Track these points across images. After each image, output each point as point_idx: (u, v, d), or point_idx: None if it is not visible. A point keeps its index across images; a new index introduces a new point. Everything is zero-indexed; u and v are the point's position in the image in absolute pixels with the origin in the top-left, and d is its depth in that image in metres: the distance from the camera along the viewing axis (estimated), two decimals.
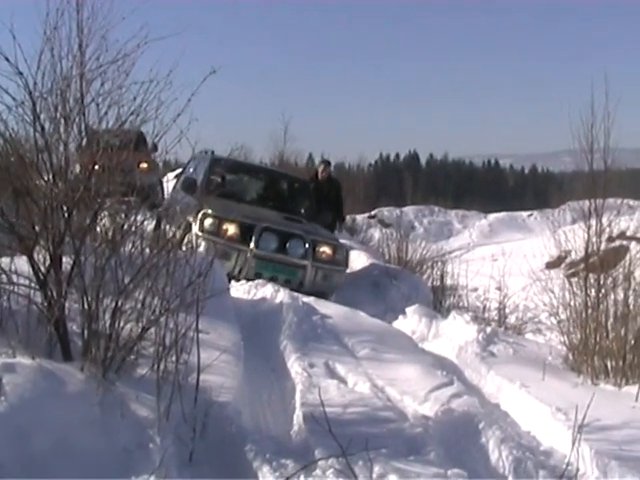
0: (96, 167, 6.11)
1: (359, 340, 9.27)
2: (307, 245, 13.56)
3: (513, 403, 7.88)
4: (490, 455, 6.35)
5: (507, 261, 16.95)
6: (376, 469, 5.30)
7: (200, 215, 13.03)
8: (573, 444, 5.75)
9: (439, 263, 17.37)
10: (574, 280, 10.25)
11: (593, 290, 9.63)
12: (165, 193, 16.26)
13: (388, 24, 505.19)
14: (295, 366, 7.90)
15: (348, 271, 14.97)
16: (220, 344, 7.12)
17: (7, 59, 5.72)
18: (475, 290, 17.28)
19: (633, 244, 14.60)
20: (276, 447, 5.66)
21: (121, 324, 5.88)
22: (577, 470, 5.90)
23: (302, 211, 15.73)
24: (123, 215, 6.39)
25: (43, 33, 5.94)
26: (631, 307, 9.05)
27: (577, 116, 9.70)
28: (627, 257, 9.95)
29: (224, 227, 13.20)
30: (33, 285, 5.79)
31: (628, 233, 12.90)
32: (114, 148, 6.17)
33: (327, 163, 17.78)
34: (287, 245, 13.49)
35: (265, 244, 13.33)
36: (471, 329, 10.23)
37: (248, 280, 12.24)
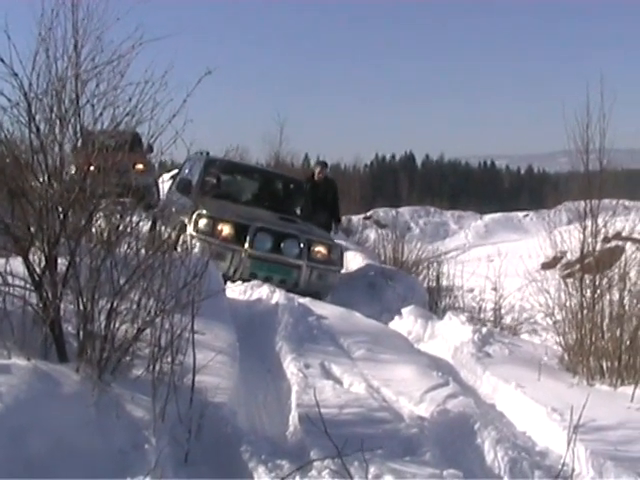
0: (91, 168, 6.10)
1: (355, 341, 9.26)
2: (302, 245, 13.54)
3: (509, 404, 7.89)
4: (486, 455, 6.35)
5: (503, 262, 16.94)
6: (372, 470, 5.31)
7: (195, 215, 13.02)
8: (568, 444, 5.77)
9: (435, 264, 17.38)
10: (570, 281, 10.26)
11: (589, 291, 9.64)
12: (161, 194, 16.26)
13: (385, 24, 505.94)
14: (291, 367, 7.90)
15: (344, 272, 14.96)
16: (216, 345, 7.11)
17: (2, 60, 5.72)
18: (471, 291, 17.32)
19: (629, 245, 14.57)
20: (272, 448, 5.67)
21: (116, 325, 5.88)
22: (572, 470, 5.90)
23: (297, 211, 15.72)
24: (118, 216, 6.39)
25: (38, 34, 5.95)
26: (626, 308, 9.06)
27: (573, 117, 9.72)
28: (622, 258, 9.96)
29: (219, 227, 13.19)
30: (28, 286, 5.79)
31: (624, 234, 12.88)
32: (109, 149, 6.16)
33: (324, 164, 17.78)
34: (282, 245, 13.48)
35: (260, 244, 13.31)
36: (467, 330, 10.23)
37: (243, 280, 12.23)
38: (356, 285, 15.15)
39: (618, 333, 8.92)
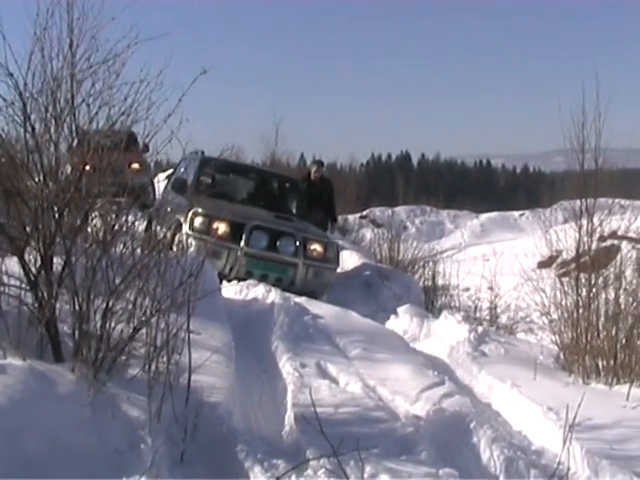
0: (87, 168, 6.11)
1: (351, 340, 9.27)
2: (298, 243, 13.53)
3: (504, 403, 7.90)
4: (481, 455, 6.36)
5: (499, 261, 16.99)
6: (367, 469, 5.31)
7: (190, 214, 13.00)
8: (564, 443, 5.77)
9: (431, 263, 17.37)
10: (565, 280, 10.26)
11: (584, 290, 9.64)
12: (156, 193, 16.24)
13: (383, 24, 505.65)
14: (286, 366, 7.90)
15: (340, 271, 14.97)
16: (211, 344, 7.11)
17: None
18: (467, 290, 17.31)
19: (624, 243, 14.58)
20: (267, 447, 5.67)
21: (112, 325, 5.88)
22: (568, 469, 5.92)
23: (293, 210, 15.73)
24: (114, 216, 6.39)
25: (33, 33, 5.94)
26: (622, 306, 9.07)
27: (568, 116, 9.72)
28: (618, 257, 9.96)
29: (214, 226, 13.17)
30: (24, 286, 5.78)
31: (619, 232, 12.85)
32: (105, 148, 6.16)
33: (320, 163, 17.75)
34: (278, 243, 13.46)
35: (256, 242, 13.30)
36: (462, 329, 10.24)
37: (239, 280, 12.22)
38: (352, 284, 15.15)
39: (614, 332, 8.93)
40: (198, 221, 13.05)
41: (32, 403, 4.91)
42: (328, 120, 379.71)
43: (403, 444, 6.10)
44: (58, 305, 5.82)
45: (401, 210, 54.96)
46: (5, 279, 5.76)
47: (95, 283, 5.84)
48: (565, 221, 12.27)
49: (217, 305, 8.75)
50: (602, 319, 9.23)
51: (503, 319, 14.73)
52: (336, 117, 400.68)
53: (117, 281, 5.94)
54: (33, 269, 5.81)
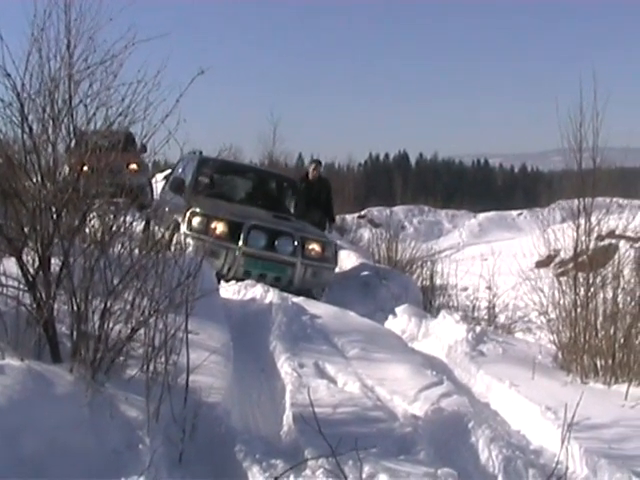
0: (85, 168, 6.10)
1: (349, 340, 9.27)
2: (296, 242, 13.52)
3: (503, 402, 7.90)
4: (480, 454, 6.36)
5: (497, 260, 17.00)
6: (366, 469, 5.30)
7: (188, 214, 12.99)
8: (563, 443, 5.77)
9: (429, 263, 17.37)
10: (563, 279, 10.27)
11: (582, 289, 9.65)
12: (154, 194, 16.25)
13: (382, 24, 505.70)
14: (285, 366, 7.90)
15: (338, 271, 14.96)
16: (209, 345, 7.11)
17: None
18: (465, 289, 17.32)
19: (622, 243, 14.64)
20: (266, 447, 5.67)
21: (110, 325, 5.88)
22: (567, 469, 5.91)
23: (291, 210, 15.73)
24: (112, 216, 6.38)
25: (31, 34, 5.94)
26: (620, 306, 9.07)
27: (566, 115, 9.73)
28: (616, 256, 9.96)
29: (212, 225, 13.15)
30: (22, 286, 5.78)
31: (617, 232, 12.88)
32: (103, 149, 6.16)
33: (318, 162, 17.72)
34: (276, 243, 13.45)
35: (254, 242, 13.29)
36: (461, 328, 10.24)
37: (237, 280, 12.21)
38: (350, 284, 15.14)
39: (612, 331, 8.93)
40: (196, 221, 13.04)
41: (30, 403, 4.91)
42: (326, 120, 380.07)
43: (401, 444, 6.10)
44: (56, 306, 5.82)
45: (399, 210, 54.87)
46: (3, 280, 5.76)
47: (93, 283, 5.84)
48: (563, 220, 12.30)
49: (215, 305, 8.75)
50: (600, 318, 9.23)
51: (501, 319, 14.71)
52: (334, 117, 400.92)
53: (115, 281, 5.93)
54: (31, 270, 5.81)
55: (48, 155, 6.03)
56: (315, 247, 13.84)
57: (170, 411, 5.46)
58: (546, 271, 17.41)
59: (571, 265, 10.90)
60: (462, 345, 9.69)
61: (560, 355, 9.50)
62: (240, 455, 5.43)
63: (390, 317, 11.89)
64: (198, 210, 13.15)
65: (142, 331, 5.96)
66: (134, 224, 6.82)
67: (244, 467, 5.32)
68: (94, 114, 6.20)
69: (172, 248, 8.95)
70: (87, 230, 6.31)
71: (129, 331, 5.95)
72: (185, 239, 12.10)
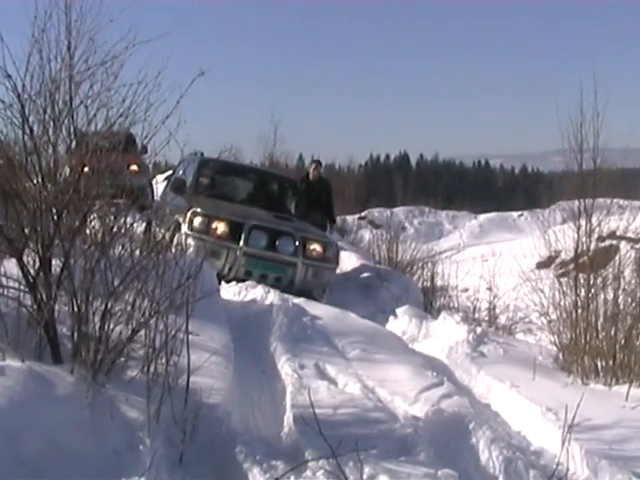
0: (85, 169, 6.10)
1: (349, 341, 9.27)
2: (297, 242, 13.50)
3: (503, 403, 7.90)
4: (480, 455, 6.36)
5: (497, 261, 16.99)
6: (366, 470, 5.30)
7: (189, 214, 12.98)
8: (563, 444, 5.77)
9: (429, 264, 17.36)
10: (564, 280, 10.28)
11: (583, 290, 9.65)
12: (155, 195, 16.24)
13: (382, 24, 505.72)
14: (285, 367, 7.90)
15: (338, 272, 14.95)
16: (210, 346, 7.11)
17: None
18: (465, 291, 17.30)
19: (623, 244, 14.59)
20: (266, 448, 5.67)
21: (111, 326, 5.88)
22: (567, 470, 5.92)
23: (292, 210, 15.73)
24: (112, 217, 6.39)
25: (31, 35, 5.94)
26: (621, 307, 9.07)
27: (567, 116, 9.73)
28: (617, 257, 9.96)
29: (213, 225, 13.13)
30: (23, 288, 5.78)
31: (618, 233, 12.85)
32: (103, 150, 6.16)
33: (318, 163, 17.70)
34: (277, 243, 13.44)
35: (255, 242, 13.28)
36: (461, 329, 10.24)
37: (238, 281, 12.21)
38: (350, 285, 15.13)
39: (613, 332, 8.93)
40: (197, 221, 13.03)
41: (31, 405, 4.91)
42: (327, 120, 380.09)
43: (402, 445, 6.10)
44: (57, 307, 5.82)
45: (400, 211, 54.88)
46: (4, 281, 5.76)
47: (94, 285, 5.84)
48: (564, 221, 12.29)
49: (216, 306, 8.75)
50: (601, 319, 9.24)
51: (502, 320, 14.71)
52: (335, 117, 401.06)
53: (116, 283, 5.93)
54: (32, 271, 5.81)
55: (49, 156, 6.03)
56: (316, 247, 13.83)
57: (171, 412, 5.46)
58: (547, 272, 17.39)
59: (572, 266, 10.91)
60: (463, 346, 9.70)
61: (561, 356, 9.50)
62: (241, 456, 5.43)
63: (391, 318, 11.91)
64: (199, 210, 13.14)
65: (143, 332, 5.96)
66: (135, 225, 6.82)
67: (244, 468, 5.32)
68: (95, 115, 6.20)
69: (173, 249, 8.93)
70: (88, 231, 6.31)
71: (130, 332, 5.95)
72: (186, 239, 12.09)
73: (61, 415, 5.04)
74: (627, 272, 9.50)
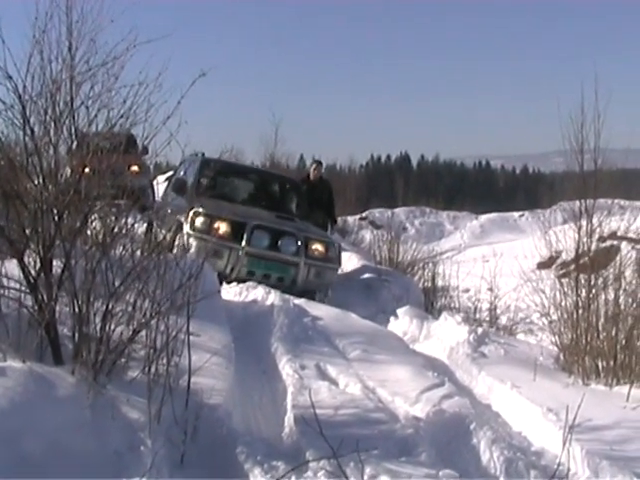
0: (86, 170, 6.10)
1: (350, 342, 9.27)
2: (299, 242, 13.49)
3: (504, 404, 7.90)
4: (481, 456, 6.36)
5: (498, 262, 16.98)
6: (367, 470, 5.31)
7: (191, 213, 12.96)
8: (564, 444, 5.77)
9: (430, 264, 17.37)
10: (565, 280, 10.27)
11: (584, 290, 9.64)
12: (156, 196, 16.24)
13: (382, 24, 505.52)
14: (286, 368, 7.90)
15: (339, 272, 14.95)
16: (211, 346, 7.11)
17: None
18: (466, 291, 17.30)
19: (624, 244, 14.59)
20: (267, 449, 5.67)
21: (112, 327, 5.88)
22: (568, 470, 5.92)
23: (294, 210, 15.72)
24: (113, 218, 6.39)
25: (32, 36, 5.94)
26: (622, 307, 9.06)
27: (567, 116, 9.73)
28: (618, 257, 9.97)
29: (215, 225, 13.12)
30: (23, 288, 5.78)
31: (619, 233, 12.84)
32: (104, 151, 6.16)
33: (319, 163, 17.70)
34: (279, 243, 13.41)
35: (257, 242, 13.25)
36: (462, 330, 10.23)
37: (239, 281, 12.20)
38: (352, 286, 15.12)
39: (613, 332, 8.92)
40: (199, 221, 13.01)
41: (32, 405, 4.91)
42: (327, 120, 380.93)
43: (403, 445, 6.10)
44: (58, 307, 5.82)
45: (400, 211, 54.92)
46: (5, 282, 5.76)
47: (95, 285, 5.84)
48: (564, 222, 12.27)
49: (217, 307, 8.74)
50: (602, 320, 9.23)
51: (503, 320, 14.71)
52: (335, 117, 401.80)
53: (117, 283, 5.93)
54: (33, 272, 5.81)
55: (50, 157, 6.03)
56: (318, 247, 13.82)
57: (172, 413, 5.46)
58: (548, 272, 17.35)
59: (573, 266, 10.89)
60: (464, 347, 9.69)
61: (562, 356, 9.50)
62: (241, 457, 5.43)
63: (392, 319, 11.91)
64: (201, 210, 13.13)
65: (144, 333, 5.97)
66: (135, 226, 6.82)
67: (245, 469, 5.32)
68: (95, 116, 6.20)
69: (174, 249, 8.94)
70: (89, 232, 6.31)
71: (131, 333, 5.95)
72: (188, 239, 12.10)
73: (62, 416, 5.04)
74: (628, 272, 9.49)
